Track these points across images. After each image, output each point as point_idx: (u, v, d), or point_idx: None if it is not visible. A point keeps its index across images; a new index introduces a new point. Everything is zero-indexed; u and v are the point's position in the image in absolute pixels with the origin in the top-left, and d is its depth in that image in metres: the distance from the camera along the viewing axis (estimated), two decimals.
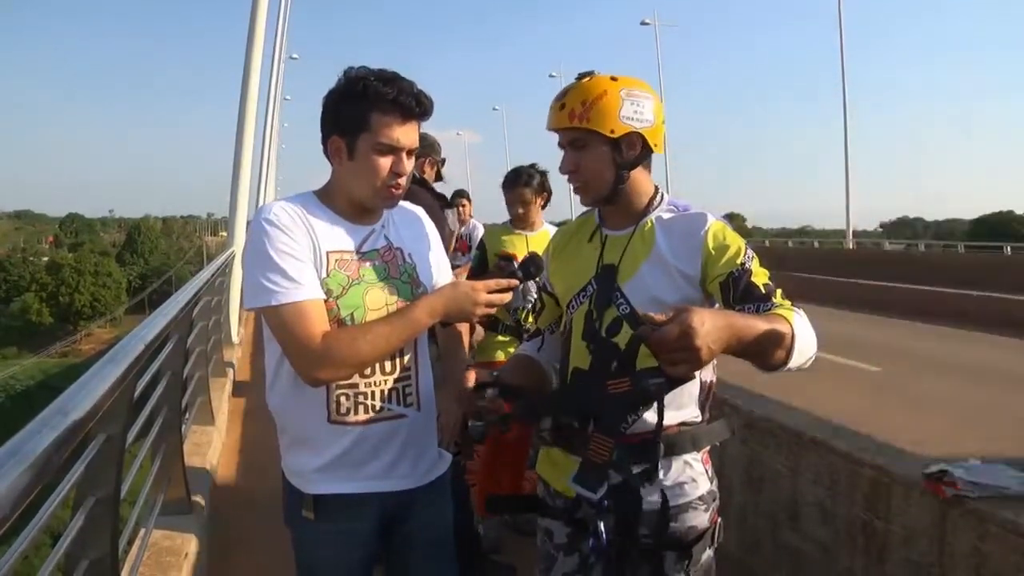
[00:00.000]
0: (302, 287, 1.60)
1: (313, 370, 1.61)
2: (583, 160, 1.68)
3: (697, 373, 1.69)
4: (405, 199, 1.83)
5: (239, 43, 10.65)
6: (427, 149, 3.31)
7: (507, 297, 1.75)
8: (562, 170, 1.73)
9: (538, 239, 3.66)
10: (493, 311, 1.76)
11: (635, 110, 1.64)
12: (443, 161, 3.63)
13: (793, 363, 1.47)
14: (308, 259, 1.64)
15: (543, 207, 3.78)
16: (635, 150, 1.67)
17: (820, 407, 3.32)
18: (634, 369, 1.50)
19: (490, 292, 1.72)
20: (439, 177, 3.59)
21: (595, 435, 1.53)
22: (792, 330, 1.44)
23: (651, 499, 1.61)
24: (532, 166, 3.73)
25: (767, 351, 1.44)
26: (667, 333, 1.28)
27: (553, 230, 3.67)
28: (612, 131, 1.63)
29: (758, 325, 1.42)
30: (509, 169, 3.82)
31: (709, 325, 1.29)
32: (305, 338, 1.58)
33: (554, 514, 1.79)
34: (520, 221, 3.74)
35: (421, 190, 3.04)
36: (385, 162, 1.68)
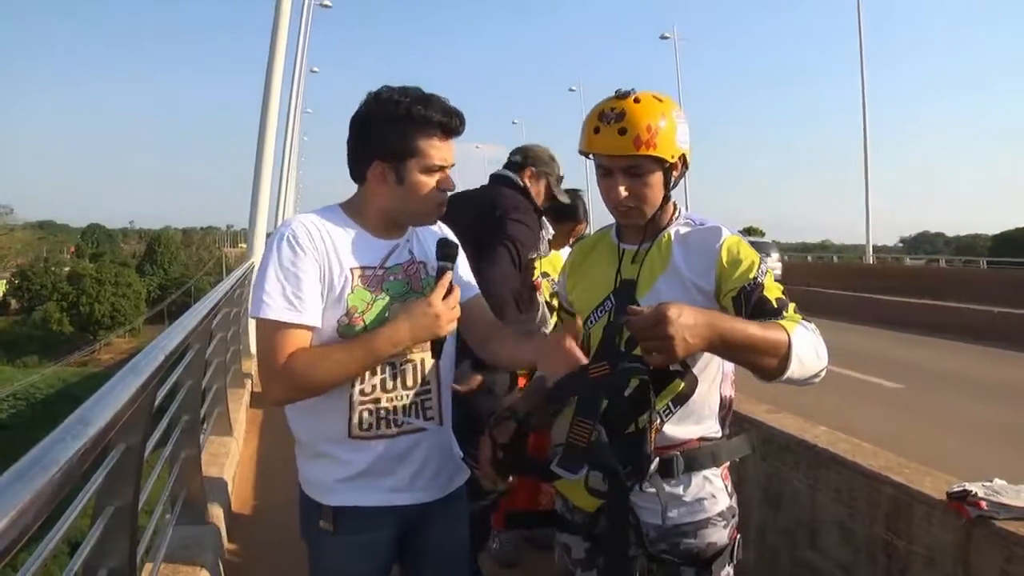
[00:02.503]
0: (290, 308, 1.61)
1: (271, 390, 1.66)
2: (637, 186, 1.64)
3: (718, 388, 1.70)
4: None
5: (261, 56, 10.78)
6: (533, 160, 3.03)
7: (455, 296, 1.71)
8: (615, 197, 1.67)
9: (552, 260, 3.66)
10: (457, 313, 1.72)
11: (683, 131, 1.64)
12: (559, 178, 3.10)
13: (792, 373, 1.44)
14: (314, 280, 1.64)
15: None
16: (677, 170, 1.68)
17: (840, 423, 3.29)
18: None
19: (442, 299, 1.68)
20: (550, 197, 3.09)
21: (576, 419, 1.53)
22: (789, 339, 1.43)
23: (666, 511, 1.61)
24: (578, 193, 3.71)
25: (758, 357, 1.43)
26: (643, 319, 1.32)
27: (564, 251, 3.69)
28: (672, 156, 1.62)
29: (747, 329, 1.41)
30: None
31: (687, 318, 1.31)
32: (272, 356, 1.61)
33: (573, 529, 1.78)
34: (558, 247, 3.72)
35: (516, 195, 2.94)
36: (433, 181, 1.71)
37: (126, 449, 1.89)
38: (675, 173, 1.67)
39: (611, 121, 1.60)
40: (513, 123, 70.63)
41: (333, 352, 1.64)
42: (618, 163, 1.64)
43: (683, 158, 1.66)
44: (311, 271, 1.64)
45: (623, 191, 1.65)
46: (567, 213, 3.63)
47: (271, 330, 1.62)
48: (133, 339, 58.84)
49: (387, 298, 1.71)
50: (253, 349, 9.36)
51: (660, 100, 1.63)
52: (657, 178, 1.64)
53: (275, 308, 1.61)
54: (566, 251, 3.82)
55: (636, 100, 1.61)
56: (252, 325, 9.65)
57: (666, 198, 1.68)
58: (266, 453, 5.61)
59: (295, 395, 1.67)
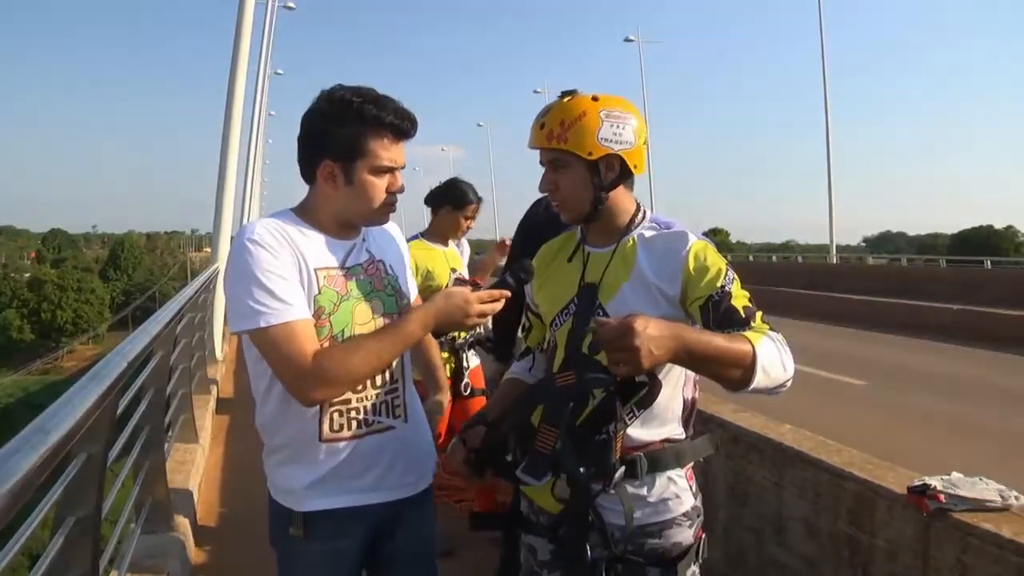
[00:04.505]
0: (291, 307, 1.58)
1: (308, 391, 1.59)
2: (561, 180, 1.68)
3: (680, 391, 1.71)
4: None
5: (225, 58, 10.67)
6: None
7: (499, 306, 1.74)
8: (541, 188, 1.73)
9: (452, 254, 3.74)
10: (485, 321, 1.76)
11: (614, 132, 1.63)
12: None
13: (758, 384, 1.47)
14: (294, 278, 1.62)
15: None
16: (613, 172, 1.67)
17: (805, 421, 3.33)
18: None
19: (483, 302, 1.71)
20: None
21: (542, 426, 1.55)
22: (754, 352, 1.45)
23: (631, 514, 1.62)
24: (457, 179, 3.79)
25: (723, 369, 1.45)
26: (609, 330, 1.34)
27: (464, 246, 3.84)
28: (589, 153, 1.62)
29: (713, 341, 1.44)
30: (465, 186, 3.77)
31: (652, 330, 1.33)
32: (297, 359, 1.56)
33: (538, 531, 1.79)
34: (461, 234, 3.78)
35: None
36: (383, 183, 1.70)
37: (88, 458, 1.86)
38: (609, 174, 1.67)
39: (539, 118, 1.68)
40: (478, 125, 70.61)
41: (364, 342, 1.64)
42: (543, 157, 1.70)
43: (617, 159, 1.66)
44: (291, 268, 1.62)
45: (547, 184, 1.71)
46: (461, 194, 3.68)
47: (284, 336, 1.56)
48: (97, 346, 57.89)
49: (353, 299, 1.71)
50: (219, 355, 9.26)
51: (595, 99, 1.65)
52: (579, 174, 1.66)
53: (278, 312, 1.56)
54: (461, 246, 3.89)
55: (569, 99, 1.66)
56: (219, 332, 9.57)
57: (598, 199, 1.68)
58: (232, 460, 5.55)
59: (334, 392, 1.63)
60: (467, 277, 3.58)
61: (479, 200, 3.72)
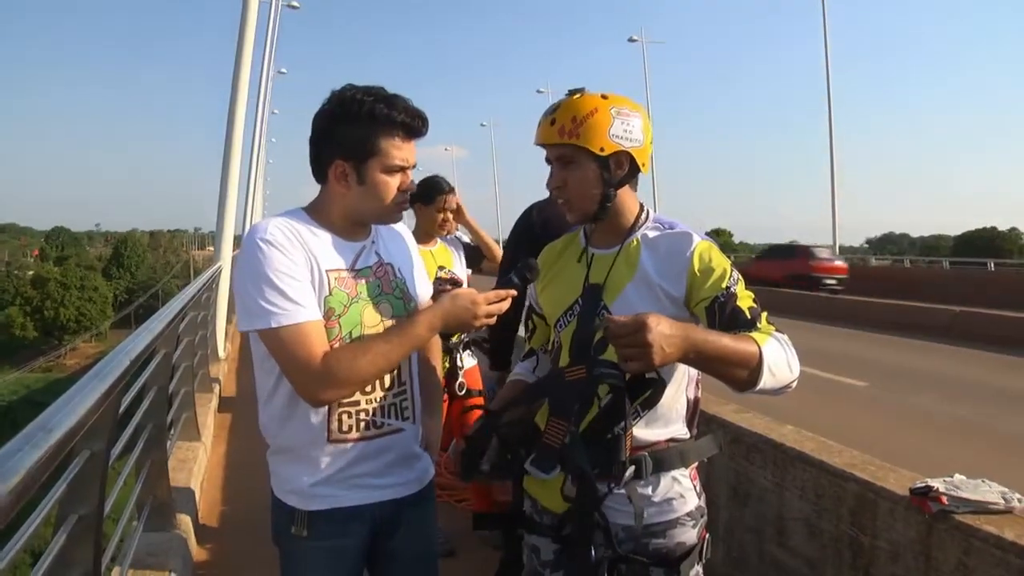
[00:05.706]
0: (302, 308, 1.58)
1: (317, 392, 1.60)
2: (570, 177, 1.67)
3: (684, 391, 1.71)
4: None
5: (228, 57, 10.68)
6: None
7: (505, 306, 1.74)
8: (549, 186, 1.72)
9: (442, 252, 3.68)
10: (492, 321, 1.75)
11: (624, 129, 1.64)
12: None
13: (764, 384, 1.48)
14: (306, 279, 1.62)
15: None
16: (623, 169, 1.68)
17: (806, 422, 3.33)
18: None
19: (490, 303, 1.72)
20: None
21: (551, 419, 1.54)
22: (760, 352, 1.46)
23: (641, 514, 1.62)
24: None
25: (730, 369, 1.46)
26: (623, 326, 1.34)
27: (450, 244, 3.73)
28: (601, 149, 1.63)
29: (721, 341, 1.44)
30: (439, 183, 3.67)
31: (664, 327, 1.34)
32: (306, 359, 1.56)
33: (541, 531, 1.79)
34: (441, 230, 3.67)
35: None
36: (395, 182, 1.71)
37: (90, 456, 1.86)
38: (619, 171, 1.67)
39: (548, 114, 1.67)
40: (481, 126, 70.62)
41: (372, 343, 1.63)
42: (551, 153, 1.70)
43: (627, 156, 1.67)
44: (303, 270, 1.62)
45: (555, 181, 1.70)
46: (431, 188, 3.59)
47: (294, 337, 1.56)
48: (100, 344, 57.88)
49: (362, 301, 1.71)
50: (221, 353, 9.26)
51: (605, 97, 1.66)
52: (589, 171, 1.66)
53: (289, 313, 1.56)
54: (449, 244, 3.79)
55: (578, 96, 1.66)
56: (221, 330, 9.57)
57: (607, 196, 1.68)
58: (235, 458, 5.55)
59: (342, 393, 1.64)
60: (457, 274, 3.58)
61: (450, 190, 3.64)
